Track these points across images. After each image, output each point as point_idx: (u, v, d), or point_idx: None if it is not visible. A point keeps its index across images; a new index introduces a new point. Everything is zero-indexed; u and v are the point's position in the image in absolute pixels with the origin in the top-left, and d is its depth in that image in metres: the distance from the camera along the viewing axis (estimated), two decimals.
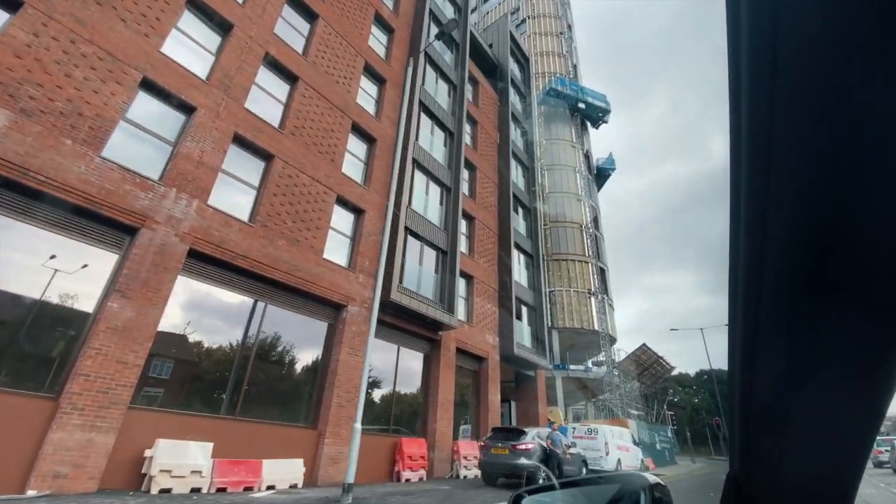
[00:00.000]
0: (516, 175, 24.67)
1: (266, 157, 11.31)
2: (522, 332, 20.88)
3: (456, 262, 16.41)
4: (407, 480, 11.79)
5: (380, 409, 13.19)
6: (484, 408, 17.19)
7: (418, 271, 15.06)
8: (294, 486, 9.11)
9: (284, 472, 9.07)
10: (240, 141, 10.76)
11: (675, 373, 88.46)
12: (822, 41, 0.38)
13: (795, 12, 0.39)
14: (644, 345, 25.54)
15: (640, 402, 30.49)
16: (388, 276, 12.70)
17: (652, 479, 1.31)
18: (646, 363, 27.55)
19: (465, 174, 21.12)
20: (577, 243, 34.67)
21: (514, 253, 22.38)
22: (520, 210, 24.62)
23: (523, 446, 11.21)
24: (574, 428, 18.38)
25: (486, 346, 18.17)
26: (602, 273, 35.16)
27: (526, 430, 12.07)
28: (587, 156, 39.97)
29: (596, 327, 30.76)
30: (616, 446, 17.89)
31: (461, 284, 17.96)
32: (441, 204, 17.56)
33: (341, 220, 13.16)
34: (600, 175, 42.55)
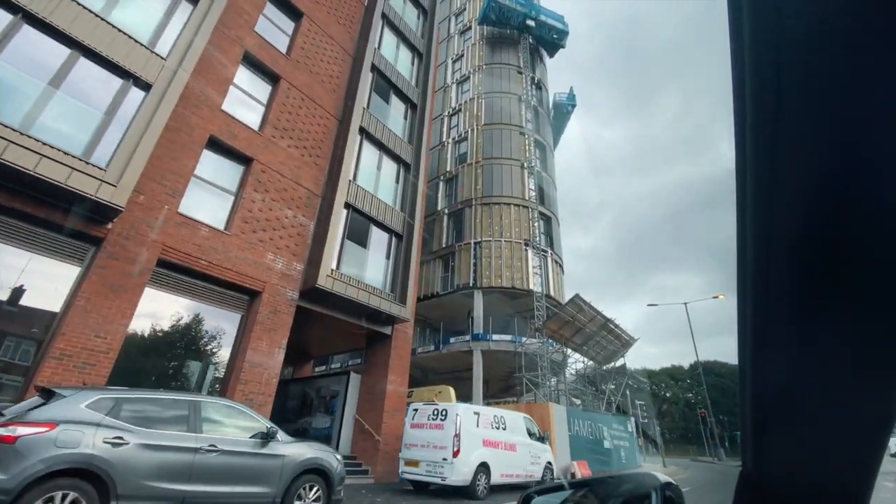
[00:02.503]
0: (394, 55, 17.13)
1: None
2: (366, 264, 13.35)
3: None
4: None
5: None
6: (238, 371, 9.69)
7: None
8: None
9: None
10: None
11: (667, 365, 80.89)
12: (826, 38, 0.39)
13: (798, 9, 0.39)
14: (576, 296, 18.00)
15: (583, 383, 22.86)
16: None
17: (663, 478, 1.23)
18: (584, 325, 19.88)
19: (281, 19, 13.68)
20: (515, 184, 27.09)
21: (373, 155, 14.88)
22: (399, 105, 17.01)
23: None
24: (416, 410, 10.85)
25: (261, 273, 10.64)
26: (548, 223, 27.55)
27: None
28: (538, 85, 32.38)
29: (531, 286, 23.18)
30: (482, 440, 10.37)
31: (208, 160, 10.54)
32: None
33: None
34: (559, 113, 34.94)
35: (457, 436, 9.81)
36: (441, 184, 29.20)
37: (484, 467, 10.13)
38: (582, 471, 16.15)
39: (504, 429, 11.39)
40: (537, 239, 25.12)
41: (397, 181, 15.84)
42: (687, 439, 59.32)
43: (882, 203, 0.41)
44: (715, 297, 35.39)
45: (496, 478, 10.44)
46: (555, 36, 32.91)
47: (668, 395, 70.79)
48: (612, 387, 23.38)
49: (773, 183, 0.46)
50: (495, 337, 22.18)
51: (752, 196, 0.48)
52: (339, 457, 6.84)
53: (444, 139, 30.88)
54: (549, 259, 25.97)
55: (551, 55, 34.58)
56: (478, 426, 10.50)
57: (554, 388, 19.88)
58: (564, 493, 1.53)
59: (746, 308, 0.54)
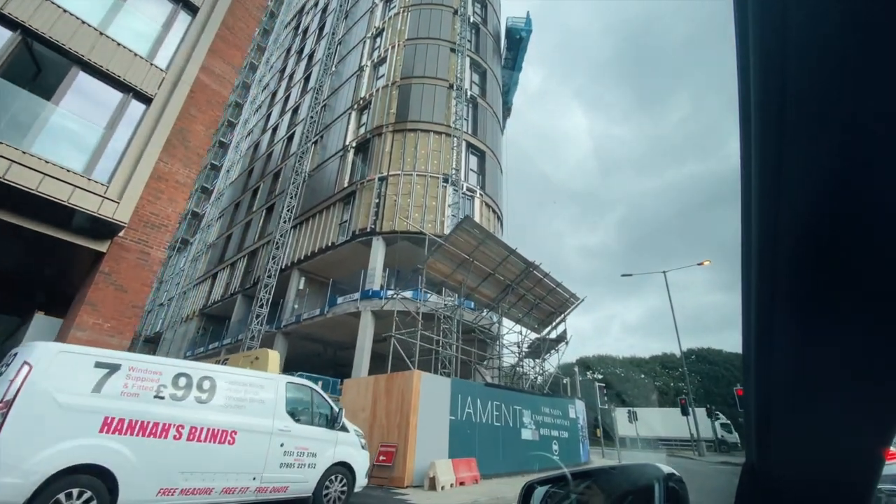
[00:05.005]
0: None
1: None
2: (54, 130, 7.84)
3: None
4: None
5: None
6: None
7: None
8: None
9: None
10: None
11: (658, 353, 75.25)
12: (833, 38, 0.39)
13: (805, 10, 0.40)
14: (467, 219, 12.22)
15: (519, 356, 17.30)
16: None
17: (666, 469, 1.18)
18: (493, 270, 14.24)
19: None
20: (438, 107, 21.38)
21: None
22: None
23: None
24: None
25: None
26: (481, 158, 21.87)
27: None
28: (482, 2, 26.50)
29: (447, 231, 17.54)
30: (104, 421, 4.87)
31: None
32: None
33: None
34: (512, 41, 29.09)
35: (3, 405, 4.34)
36: (353, 114, 23.52)
37: (92, 476, 4.67)
38: (462, 472, 10.69)
39: (206, 401, 5.93)
40: (461, 174, 19.46)
41: (167, 27, 10.26)
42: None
43: (886, 200, 0.41)
44: (700, 264, 29.91)
45: (144, 495, 5.00)
46: None
47: (657, 383, 65.18)
48: (548, 365, 17.82)
49: (778, 181, 0.46)
50: (392, 294, 16.60)
51: (756, 194, 0.48)
52: None
53: (363, 63, 25.16)
54: (478, 201, 20.32)
55: None
56: (100, 391, 5.01)
57: (450, 356, 14.30)
58: (566, 484, 1.51)
59: (751, 303, 0.55)
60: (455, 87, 21.63)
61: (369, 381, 12.06)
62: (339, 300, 17.94)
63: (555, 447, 15.81)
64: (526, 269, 14.73)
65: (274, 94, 37.49)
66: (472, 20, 24.92)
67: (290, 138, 29.17)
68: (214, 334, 26.48)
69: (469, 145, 21.38)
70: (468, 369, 16.32)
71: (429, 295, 16.77)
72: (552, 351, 18.69)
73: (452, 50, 23.17)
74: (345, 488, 7.24)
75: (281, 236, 22.34)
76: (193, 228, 40.81)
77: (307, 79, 31.26)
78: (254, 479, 6.12)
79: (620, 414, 34.83)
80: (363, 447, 7.87)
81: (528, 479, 1.55)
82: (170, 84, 10.03)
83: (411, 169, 19.52)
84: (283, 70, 38.19)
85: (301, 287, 21.36)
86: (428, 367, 14.97)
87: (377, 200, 18.97)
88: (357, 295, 17.31)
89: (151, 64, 9.87)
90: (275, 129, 33.23)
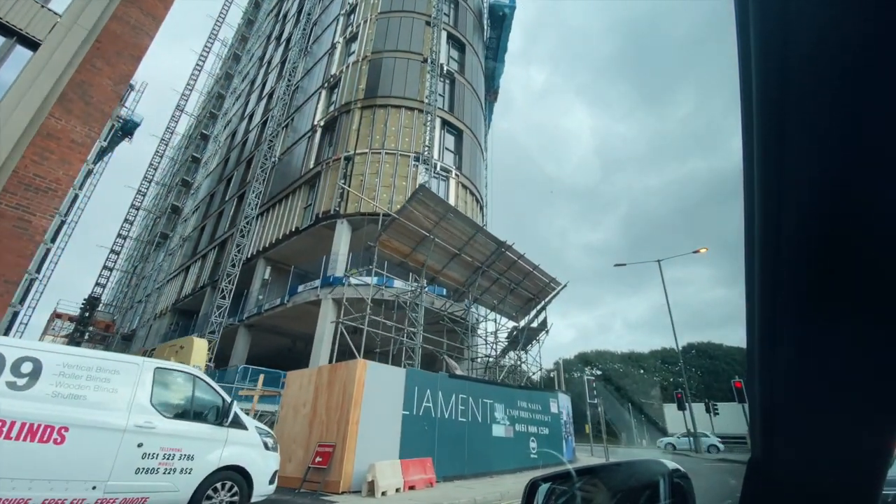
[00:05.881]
0: None
1: None
2: None
3: None
4: None
5: None
6: None
7: None
8: None
9: None
10: None
11: (657, 347, 73.63)
12: (832, 37, 0.39)
13: (804, 9, 0.40)
14: (421, 188, 10.66)
15: (495, 348, 15.91)
16: None
17: (672, 465, 1.16)
18: (459, 250, 12.80)
19: None
20: (411, 82, 19.93)
21: None
22: None
23: None
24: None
25: None
26: (458, 138, 20.43)
27: None
28: None
29: None
30: None
31: None
32: None
33: None
34: (495, 18, 27.61)
35: None
36: (323, 93, 22.10)
37: None
38: (413, 474, 9.31)
39: (23, 388, 4.56)
40: (433, 151, 18.03)
41: None
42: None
43: (889, 197, 0.41)
44: (696, 252, 28.64)
45: None
46: None
47: (656, 378, 63.50)
48: (526, 355, 16.33)
49: (780, 178, 0.46)
50: (355, 280, 15.16)
51: (759, 191, 0.48)
52: None
53: (335, 40, 23.73)
54: (454, 181, 18.88)
55: None
56: None
57: (415, 346, 12.86)
58: (571, 480, 1.50)
59: (754, 300, 0.55)
60: (430, 62, 20.18)
61: (312, 373, 10.65)
62: (300, 288, 16.54)
63: (532, 445, 14.37)
64: (497, 248, 13.30)
65: (252, 82, 36.14)
66: None
67: (265, 124, 27.79)
68: (183, 329, 25.14)
69: (445, 123, 19.93)
70: (439, 361, 14.91)
71: (394, 280, 15.38)
72: (534, 341, 17.26)
73: (428, 23, 21.72)
74: (235, 498, 5.84)
75: (246, 223, 20.96)
76: (173, 223, 39.51)
77: (283, 63, 29.87)
78: (93, 488, 4.74)
79: (669, 409, 32.22)
80: (269, 448, 6.48)
81: (532, 476, 1.55)
82: (64, 30, 8.66)
83: (380, 147, 18.09)
84: (262, 57, 36.83)
85: (266, 277, 19.98)
86: (396, 360, 13.58)
87: (342, 181, 17.55)
88: (318, 282, 15.91)
89: (42, 6, 8.51)
90: (251, 117, 31.87)
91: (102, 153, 46.07)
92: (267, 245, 19.94)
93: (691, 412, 25.48)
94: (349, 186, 17.12)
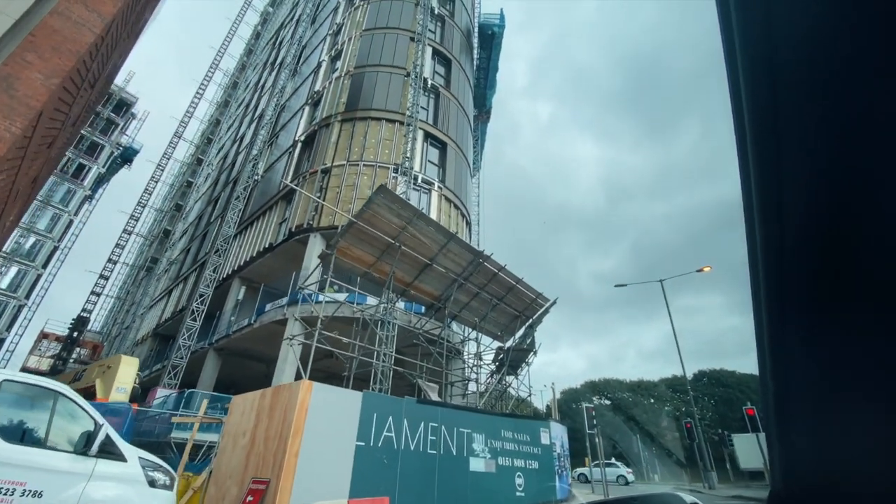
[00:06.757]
0: None
1: None
2: None
3: None
4: None
5: None
6: None
7: None
8: None
9: None
10: None
11: (668, 375, 70.53)
12: (818, 41, 0.40)
13: (786, 15, 0.41)
14: (381, 187, 9.61)
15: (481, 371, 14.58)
16: None
17: (689, 499, 1.13)
18: (430, 259, 11.68)
19: None
20: (393, 95, 19.44)
21: None
22: None
23: None
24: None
25: None
26: (443, 150, 19.72)
27: None
28: None
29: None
30: None
31: None
32: None
33: None
34: (484, 37, 27.53)
35: None
36: (307, 109, 21.71)
37: None
38: None
39: None
40: (413, 162, 17.26)
41: None
42: (689, 459, 49.07)
43: (886, 200, 0.40)
44: (699, 271, 27.29)
45: None
46: None
47: (666, 407, 60.29)
48: (515, 378, 14.89)
49: (779, 187, 0.46)
50: (324, 298, 14.04)
51: (758, 202, 0.48)
52: None
53: (321, 58, 23.59)
54: (436, 194, 18.00)
55: None
56: None
57: (384, 368, 11.57)
58: None
59: (762, 315, 0.53)
60: (413, 76, 19.75)
61: (255, 398, 9.39)
62: (268, 307, 15.44)
63: (518, 481, 12.74)
64: (474, 259, 12.21)
65: (246, 106, 36.35)
66: (437, 12, 23.41)
67: (252, 145, 27.52)
68: (159, 355, 23.97)
69: (429, 135, 19.29)
70: (413, 385, 13.56)
71: (367, 297, 14.26)
72: (523, 364, 15.85)
73: (412, 39, 21.50)
74: None
75: (223, 242, 20.14)
76: (165, 247, 39.00)
77: (274, 86, 29.96)
78: None
79: (739, 441, 27.62)
80: (157, 485, 5.24)
81: None
82: None
83: (358, 159, 17.38)
84: (257, 83, 37.22)
85: (239, 297, 18.95)
86: (367, 385, 12.27)
87: (318, 194, 16.75)
88: (285, 300, 14.81)
89: None
90: (242, 139, 31.75)
91: (101, 180, 46.31)
92: (242, 264, 19.01)
93: (703, 443, 23.43)
94: (324, 199, 16.30)
